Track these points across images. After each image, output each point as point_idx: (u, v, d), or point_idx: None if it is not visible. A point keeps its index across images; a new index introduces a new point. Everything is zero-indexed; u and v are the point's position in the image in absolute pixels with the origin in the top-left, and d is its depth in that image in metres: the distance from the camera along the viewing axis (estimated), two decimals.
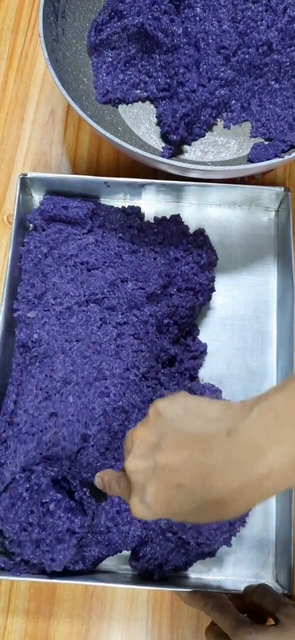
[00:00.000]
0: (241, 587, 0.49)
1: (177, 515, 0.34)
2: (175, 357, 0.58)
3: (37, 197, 0.64)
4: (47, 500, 0.48)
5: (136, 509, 0.35)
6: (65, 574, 0.50)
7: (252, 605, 0.47)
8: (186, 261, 0.59)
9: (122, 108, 0.65)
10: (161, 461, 0.34)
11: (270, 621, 0.44)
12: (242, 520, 0.53)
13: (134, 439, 0.37)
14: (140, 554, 0.52)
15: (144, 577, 0.52)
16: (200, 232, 0.62)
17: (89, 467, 0.53)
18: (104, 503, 0.52)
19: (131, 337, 0.57)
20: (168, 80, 0.63)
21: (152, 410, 0.37)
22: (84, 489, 0.49)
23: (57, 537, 0.48)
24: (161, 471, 0.34)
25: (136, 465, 0.36)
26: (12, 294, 0.58)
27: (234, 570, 0.54)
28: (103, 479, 0.44)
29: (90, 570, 0.52)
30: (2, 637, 0.54)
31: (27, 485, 0.50)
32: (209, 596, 0.47)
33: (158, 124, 0.64)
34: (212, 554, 0.53)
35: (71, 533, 0.48)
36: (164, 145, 0.63)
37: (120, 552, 0.53)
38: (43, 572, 0.50)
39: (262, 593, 0.46)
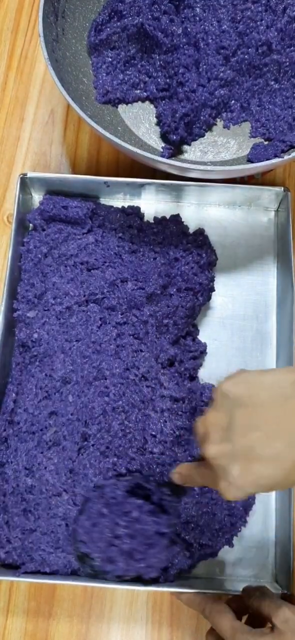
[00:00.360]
0: (241, 587, 0.49)
1: (267, 487, 0.35)
2: (175, 358, 0.58)
3: (37, 197, 0.64)
4: (129, 509, 0.47)
5: (227, 493, 0.37)
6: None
7: (250, 608, 0.47)
8: (186, 261, 0.59)
9: (121, 108, 0.65)
10: (238, 441, 0.35)
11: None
12: (243, 520, 0.53)
13: (208, 425, 0.38)
14: None
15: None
16: (200, 232, 0.62)
17: (93, 468, 0.53)
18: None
19: (131, 337, 0.57)
20: (168, 80, 0.63)
21: (218, 393, 0.38)
22: (162, 489, 0.48)
23: (148, 543, 0.47)
24: (241, 450, 0.35)
25: (216, 450, 0.37)
26: (12, 294, 0.58)
27: (234, 570, 0.54)
28: (181, 473, 0.44)
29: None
30: (2, 637, 0.54)
31: (103, 501, 0.48)
32: (207, 600, 0.47)
33: (158, 124, 0.64)
34: (214, 554, 0.53)
35: (160, 535, 0.47)
36: (163, 145, 0.63)
37: None
38: (138, 580, 0.48)
39: (260, 596, 0.46)
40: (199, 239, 0.61)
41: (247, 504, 0.53)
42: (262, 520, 0.55)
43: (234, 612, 0.46)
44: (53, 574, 0.51)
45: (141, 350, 0.57)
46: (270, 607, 0.44)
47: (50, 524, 0.52)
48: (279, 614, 0.42)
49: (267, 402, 0.35)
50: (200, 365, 0.59)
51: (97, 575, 0.47)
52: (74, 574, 0.52)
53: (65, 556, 0.51)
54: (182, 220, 0.62)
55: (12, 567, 0.52)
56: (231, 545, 0.53)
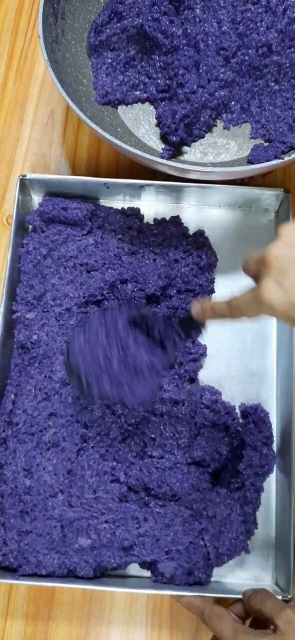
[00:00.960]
0: (241, 589, 0.49)
1: None
2: (175, 360, 0.57)
3: (36, 199, 0.64)
4: (127, 339, 0.47)
5: (271, 290, 0.36)
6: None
7: (251, 611, 0.46)
8: (186, 262, 0.59)
9: (121, 109, 0.65)
10: None
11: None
12: (255, 524, 0.52)
13: (282, 233, 0.38)
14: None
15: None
16: (200, 234, 0.62)
17: (91, 469, 0.53)
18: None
19: None
20: (168, 81, 0.63)
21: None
22: (165, 327, 0.48)
23: (137, 373, 0.47)
24: None
25: (283, 251, 0.37)
26: (11, 296, 0.58)
27: (234, 573, 0.54)
28: (203, 306, 0.43)
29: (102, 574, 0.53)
30: None
31: (103, 323, 0.49)
32: (206, 604, 0.47)
33: (158, 125, 0.64)
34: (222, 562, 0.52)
35: (152, 370, 0.47)
36: (163, 146, 0.63)
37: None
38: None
39: (261, 598, 0.45)
40: (199, 240, 0.61)
41: (256, 505, 0.53)
42: (263, 523, 0.55)
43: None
44: (49, 576, 0.51)
45: None
46: (272, 608, 0.43)
47: (45, 525, 0.51)
48: (282, 616, 0.42)
49: None
50: (200, 367, 0.59)
51: (82, 392, 0.48)
52: (69, 575, 0.51)
53: (59, 557, 0.51)
54: (182, 221, 0.62)
55: (9, 570, 0.51)
56: (247, 551, 0.52)
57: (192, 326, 0.46)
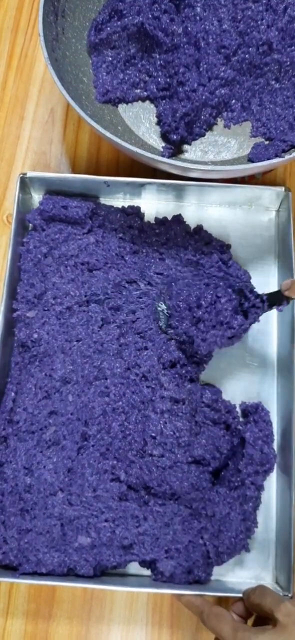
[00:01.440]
0: (241, 588, 0.49)
1: None
2: (178, 361, 0.57)
3: (36, 197, 0.64)
4: (221, 294, 0.54)
5: None
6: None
7: (251, 607, 0.47)
8: (210, 262, 0.59)
9: (122, 107, 0.65)
10: None
11: None
12: (255, 522, 0.52)
13: None
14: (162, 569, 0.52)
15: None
16: (200, 228, 0.62)
17: (92, 468, 0.53)
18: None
19: (136, 335, 0.57)
20: (168, 79, 0.63)
21: None
22: (258, 300, 0.53)
23: (214, 325, 0.53)
24: None
25: None
26: (12, 294, 0.58)
27: (234, 572, 0.54)
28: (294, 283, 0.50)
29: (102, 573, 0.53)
30: (1, 639, 0.54)
31: (206, 281, 0.56)
32: (205, 605, 0.47)
33: (158, 123, 0.64)
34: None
35: (229, 327, 0.53)
36: (164, 144, 0.63)
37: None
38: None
39: (261, 593, 0.46)
40: (202, 236, 0.61)
41: (256, 504, 0.53)
42: (263, 522, 0.55)
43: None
44: (49, 574, 0.51)
45: (146, 348, 0.56)
46: (271, 602, 0.44)
47: (45, 523, 0.51)
48: (281, 608, 0.42)
49: None
50: (202, 370, 0.58)
51: (159, 320, 0.56)
52: (69, 573, 0.51)
53: (59, 555, 0.51)
54: (184, 219, 0.62)
55: (9, 568, 0.51)
56: (248, 549, 0.52)
57: (278, 299, 0.52)
